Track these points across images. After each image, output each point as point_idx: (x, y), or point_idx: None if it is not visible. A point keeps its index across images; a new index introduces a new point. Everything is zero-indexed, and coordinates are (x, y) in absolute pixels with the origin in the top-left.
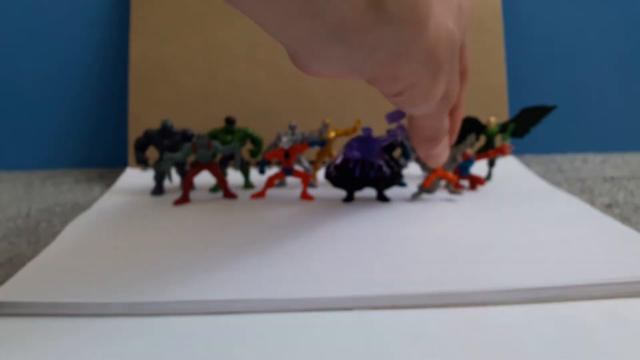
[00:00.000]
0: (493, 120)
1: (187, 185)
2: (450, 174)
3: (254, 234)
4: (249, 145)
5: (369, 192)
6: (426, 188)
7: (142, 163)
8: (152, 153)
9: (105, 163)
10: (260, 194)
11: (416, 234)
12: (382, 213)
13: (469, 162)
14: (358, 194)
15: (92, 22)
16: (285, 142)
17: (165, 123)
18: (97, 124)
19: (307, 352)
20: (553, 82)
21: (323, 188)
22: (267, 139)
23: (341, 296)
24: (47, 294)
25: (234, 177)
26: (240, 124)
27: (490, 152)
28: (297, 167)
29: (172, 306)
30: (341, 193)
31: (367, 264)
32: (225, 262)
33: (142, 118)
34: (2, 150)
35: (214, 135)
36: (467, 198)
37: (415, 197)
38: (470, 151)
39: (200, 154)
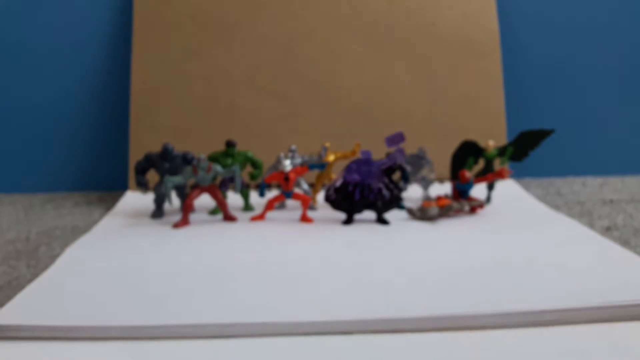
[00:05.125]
0: (491, 143)
1: (187, 208)
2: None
3: (253, 257)
4: (249, 168)
5: (369, 214)
6: (425, 208)
7: (142, 186)
8: (152, 176)
9: (106, 186)
10: (260, 217)
11: (416, 257)
12: (381, 236)
13: (468, 185)
14: (357, 216)
15: (94, 47)
16: (287, 165)
17: (166, 146)
18: (97, 147)
19: None
20: (551, 106)
21: (323, 211)
22: (267, 162)
23: (341, 320)
24: (46, 317)
25: (233, 199)
26: (240, 147)
27: (489, 175)
28: (297, 190)
29: (171, 330)
30: (341, 216)
31: (367, 288)
32: (225, 285)
33: (142, 141)
34: (2, 173)
35: (214, 158)
36: (467, 222)
37: (410, 211)
38: (469, 174)
39: (200, 177)
